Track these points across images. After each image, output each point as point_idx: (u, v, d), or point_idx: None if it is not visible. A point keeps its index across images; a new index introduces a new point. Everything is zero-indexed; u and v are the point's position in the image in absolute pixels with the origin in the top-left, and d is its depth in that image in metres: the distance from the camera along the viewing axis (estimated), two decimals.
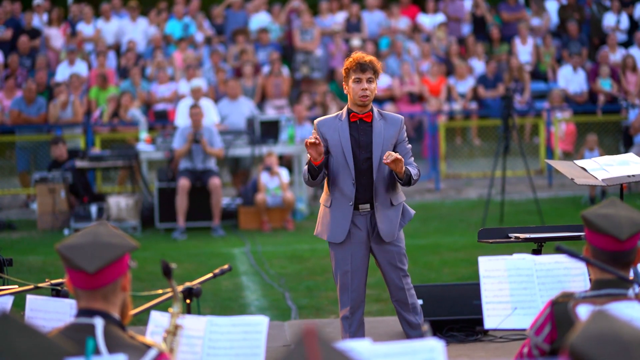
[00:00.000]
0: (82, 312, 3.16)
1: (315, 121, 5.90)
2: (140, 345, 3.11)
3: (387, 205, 5.80)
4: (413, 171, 5.72)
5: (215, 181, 12.84)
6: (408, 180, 5.69)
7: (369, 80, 5.77)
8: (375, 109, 5.88)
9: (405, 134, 5.92)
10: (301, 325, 5.32)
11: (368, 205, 5.79)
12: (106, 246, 3.14)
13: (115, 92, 15.97)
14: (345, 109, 5.86)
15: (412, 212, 5.99)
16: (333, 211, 5.81)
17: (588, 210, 3.68)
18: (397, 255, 5.85)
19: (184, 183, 12.79)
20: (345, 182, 5.76)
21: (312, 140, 5.57)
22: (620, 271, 3.61)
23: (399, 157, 5.55)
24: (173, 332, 3.63)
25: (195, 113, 12.92)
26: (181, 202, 12.80)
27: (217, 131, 13.26)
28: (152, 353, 3.08)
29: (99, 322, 3.11)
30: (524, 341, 3.85)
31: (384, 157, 5.56)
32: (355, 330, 5.87)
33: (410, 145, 5.94)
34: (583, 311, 3.47)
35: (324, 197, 5.91)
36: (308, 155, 5.69)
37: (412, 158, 5.88)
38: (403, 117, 5.98)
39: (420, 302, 6.07)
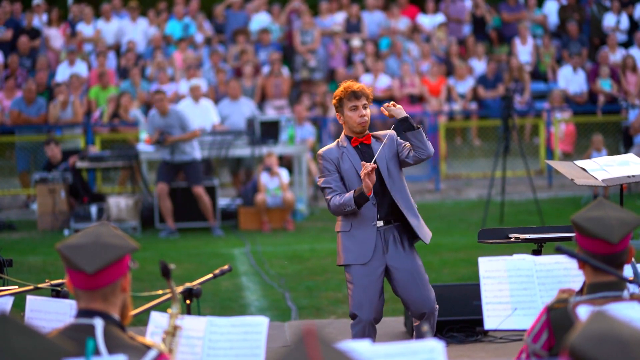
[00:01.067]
0: (82, 312, 3.15)
1: (321, 152, 5.85)
2: (140, 345, 3.11)
3: (412, 210, 5.79)
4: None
5: (198, 190, 12.79)
6: (418, 127, 5.71)
7: (364, 107, 5.83)
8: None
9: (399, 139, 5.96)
10: (301, 326, 5.31)
11: (382, 222, 5.77)
12: (106, 247, 3.14)
13: (115, 93, 15.97)
14: (343, 136, 5.88)
15: (429, 235, 5.92)
16: (355, 234, 5.76)
17: (577, 214, 3.58)
18: (415, 273, 5.83)
19: (162, 187, 12.76)
20: (365, 205, 5.71)
21: (374, 166, 5.52)
22: None
23: (392, 104, 5.75)
24: (172, 332, 3.63)
25: (159, 99, 12.65)
26: (164, 205, 12.79)
27: (185, 113, 12.95)
28: (152, 354, 3.08)
29: (98, 323, 3.11)
30: (521, 346, 3.80)
31: (384, 108, 5.74)
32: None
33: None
34: (583, 312, 3.45)
35: (339, 224, 5.83)
36: (360, 188, 5.57)
37: None
38: (393, 131, 5.97)
39: None
